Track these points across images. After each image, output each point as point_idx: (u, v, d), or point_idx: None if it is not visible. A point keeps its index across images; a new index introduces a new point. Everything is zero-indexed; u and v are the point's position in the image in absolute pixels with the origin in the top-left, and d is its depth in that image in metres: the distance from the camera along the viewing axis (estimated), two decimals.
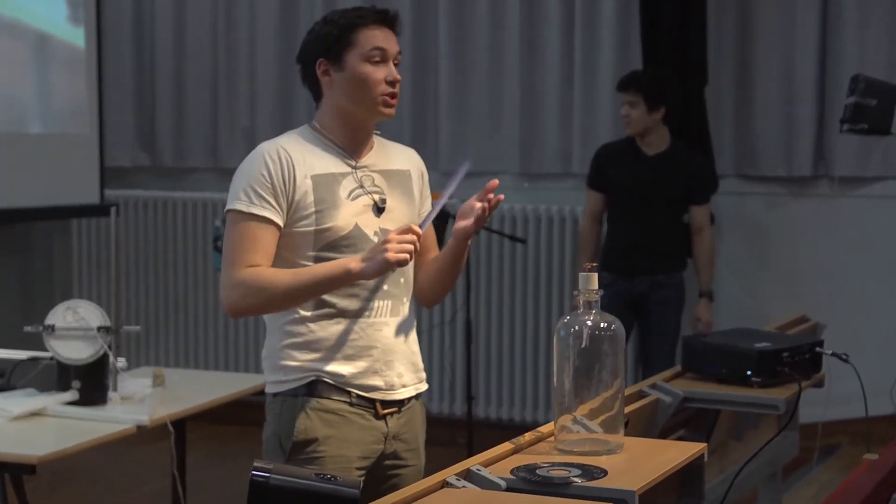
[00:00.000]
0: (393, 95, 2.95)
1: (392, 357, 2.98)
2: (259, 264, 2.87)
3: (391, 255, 2.77)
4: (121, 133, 7.29)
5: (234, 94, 7.10)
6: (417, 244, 2.81)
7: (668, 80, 5.68)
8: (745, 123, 6.16)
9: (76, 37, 6.72)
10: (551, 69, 6.39)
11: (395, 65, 2.96)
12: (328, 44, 2.94)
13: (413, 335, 3.06)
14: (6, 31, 6.49)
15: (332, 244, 2.90)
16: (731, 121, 6.17)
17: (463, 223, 2.93)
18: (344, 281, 2.87)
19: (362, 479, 2.92)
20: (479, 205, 2.90)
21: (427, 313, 6.54)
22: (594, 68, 6.29)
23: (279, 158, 2.89)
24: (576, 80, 6.34)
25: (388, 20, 2.97)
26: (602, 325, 2.59)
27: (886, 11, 5.91)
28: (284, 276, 2.86)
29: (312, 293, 2.89)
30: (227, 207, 2.92)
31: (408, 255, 2.80)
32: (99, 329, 4.02)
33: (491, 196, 2.89)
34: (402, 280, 3.00)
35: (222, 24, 7.09)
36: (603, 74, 6.27)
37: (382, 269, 2.82)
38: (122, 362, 4.13)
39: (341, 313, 2.92)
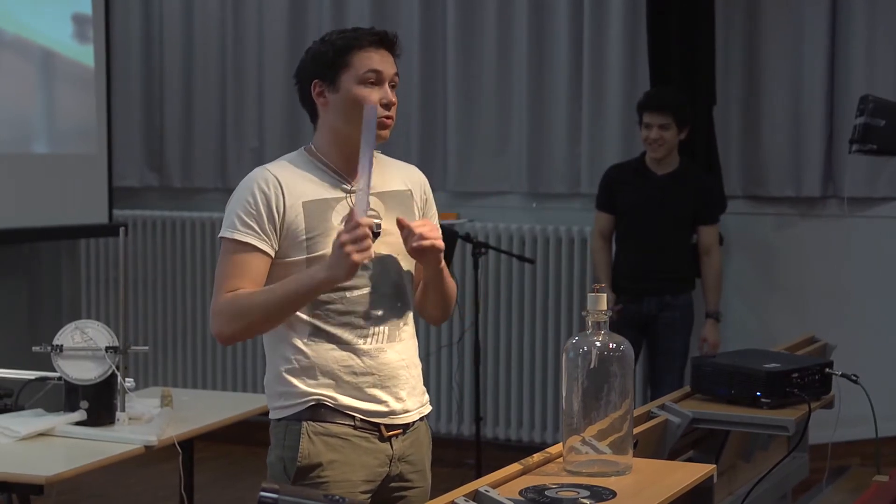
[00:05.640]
0: (388, 118, 2.90)
1: (392, 383, 2.94)
2: (242, 289, 2.85)
3: (357, 258, 2.71)
4: (129, 153, 7.31)
5: (242, 115, 7.11)
6: (371, 229, 2.73)
7: (688, 98, 5.69)
8: (754, 144, 6.15)
9: (84, 55, 6.73)
10: (559, 89, 6.40)
11: (392, 87, 2.92)
12: (323, 65, 2.91)
13: (415, 358, 3.02)
14: (10, 48, 6.50)
15: None
16: (740, 141, 6.16)
17: (426, 264, 2.92)
18: (318, 292, 2.83)
19: (368, 502, 2.91)
20: (413, 246, 2.85)
21: (435, 334, 6.54)
22: (602, 88, 6.30)
23: (268, 185, 2.86)
24: (584, 100, 6.34)
25: (385, 42, 2.92)
26: (611, 345, 2.59)
27: (895, 31, 5.91)
28: (260, 296, 2.84)
29: (290, 307, 2.84)
30: (219, 235, 2.92)
31: (370, 250, 2.74)
32: (107, 349, 4.01)
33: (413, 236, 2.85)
34: (399, 304, 2.96)
35: (231, 44, 7.11)
36: (611, 95, 6.28)
37: (353, 272, 2.77)
38: (130, 382, 4.12)
39: (336, 340, 2.89)
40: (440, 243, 2.87)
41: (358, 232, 2.71)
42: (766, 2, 6.10)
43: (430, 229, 2.85)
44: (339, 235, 2.74)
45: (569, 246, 6.35)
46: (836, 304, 6.03)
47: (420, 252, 2.86)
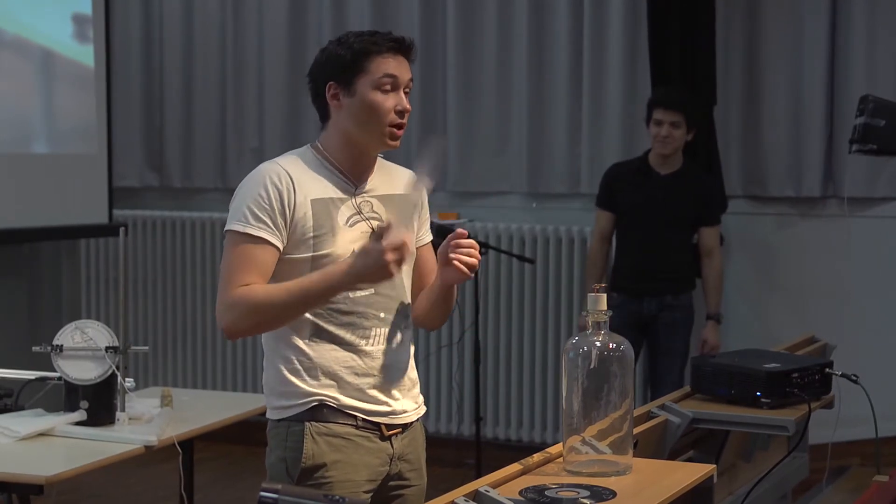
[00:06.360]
0: (400, 126, 2.90)
1: (390, 385, 2.95)
2: (253, 283, 2.84)
3: (395, 271, 2.74)
4: (129, 153, 7.32)
5: (242, 115, 7.11)
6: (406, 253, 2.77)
7: (701, 100, 5.69)
8: (754, 144, 6.15)
9: (84, 55, 6.73)
10: (559, 89, 6.40)
11: (406, 93, 2.93)
12: (340, 67, 2.90)
13: (411, 361, 3.03)
14: (10, 48, 6.50)
15: None
16: (740, 141, 6.16)
17: (447, 274, 2.92)
18: (337, 293, 2.85)
19: (368, 502, 2.91)
20: (452, 256, 2.87)
21: (435, 334, 6.53)
22: (602, 88, 6.30)
23: (280, 180, 2.85)
24: (584, 100, 6.34)
25: (403, 48, 2.92)
26: (611, 345, 2.59)
27: (895, 32, 5.91)
28: (277, 293, 2.82)
29: (306, 307, 2.85)
30: (225, 228, 2.89)
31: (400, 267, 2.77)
32: (107, 349, 4.01)
33: (462, 249, 2.86)
34: (399, 306, 2.97)
35: (231, 44, 7.11)
36: (611, 95, 6.27)
37: (381, 280, 2.80)
38: (130, 382, 4.12)
39: (338, 341, 2.89)
40: (476, 265, 2.89)
41: (404, 252, 2.73)
42: (766, 2, 6.10)
43: (474, 247, 2.88)
44: (383, 247, 2.71)
45: (569, 246, 6.35)
46: (836, 304, 6.03)
47: (456, 268, 2.87)
